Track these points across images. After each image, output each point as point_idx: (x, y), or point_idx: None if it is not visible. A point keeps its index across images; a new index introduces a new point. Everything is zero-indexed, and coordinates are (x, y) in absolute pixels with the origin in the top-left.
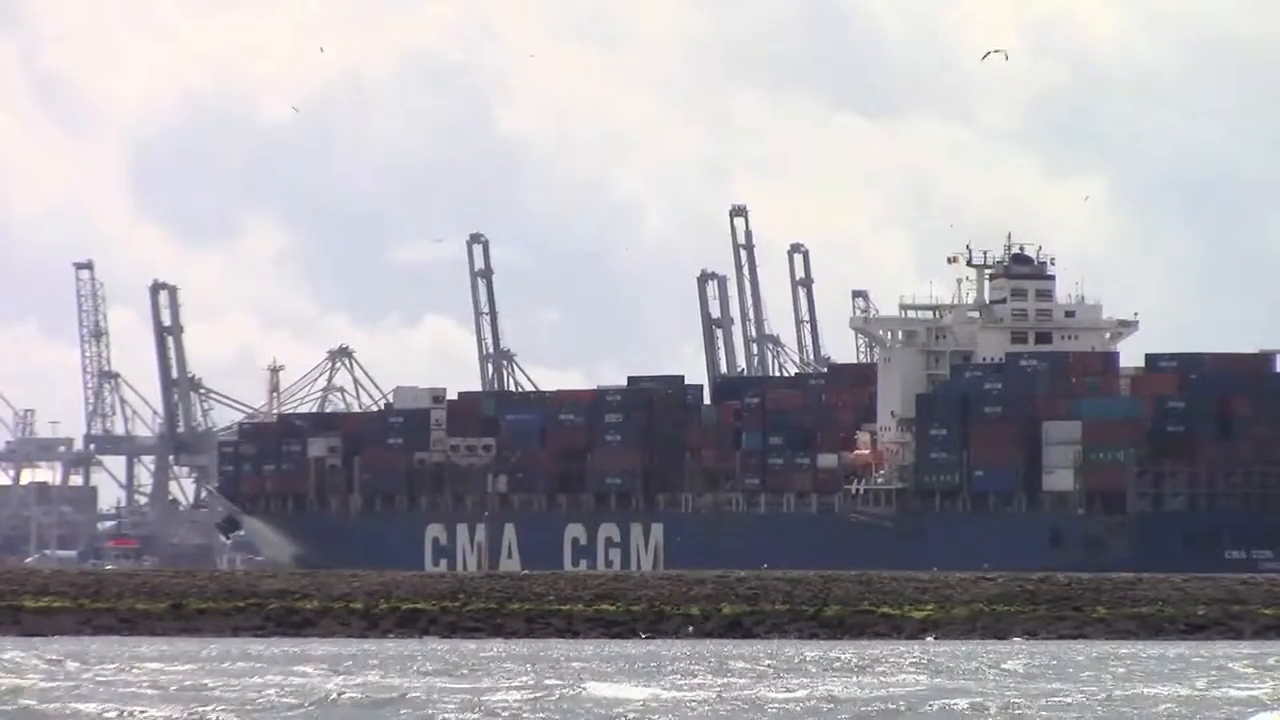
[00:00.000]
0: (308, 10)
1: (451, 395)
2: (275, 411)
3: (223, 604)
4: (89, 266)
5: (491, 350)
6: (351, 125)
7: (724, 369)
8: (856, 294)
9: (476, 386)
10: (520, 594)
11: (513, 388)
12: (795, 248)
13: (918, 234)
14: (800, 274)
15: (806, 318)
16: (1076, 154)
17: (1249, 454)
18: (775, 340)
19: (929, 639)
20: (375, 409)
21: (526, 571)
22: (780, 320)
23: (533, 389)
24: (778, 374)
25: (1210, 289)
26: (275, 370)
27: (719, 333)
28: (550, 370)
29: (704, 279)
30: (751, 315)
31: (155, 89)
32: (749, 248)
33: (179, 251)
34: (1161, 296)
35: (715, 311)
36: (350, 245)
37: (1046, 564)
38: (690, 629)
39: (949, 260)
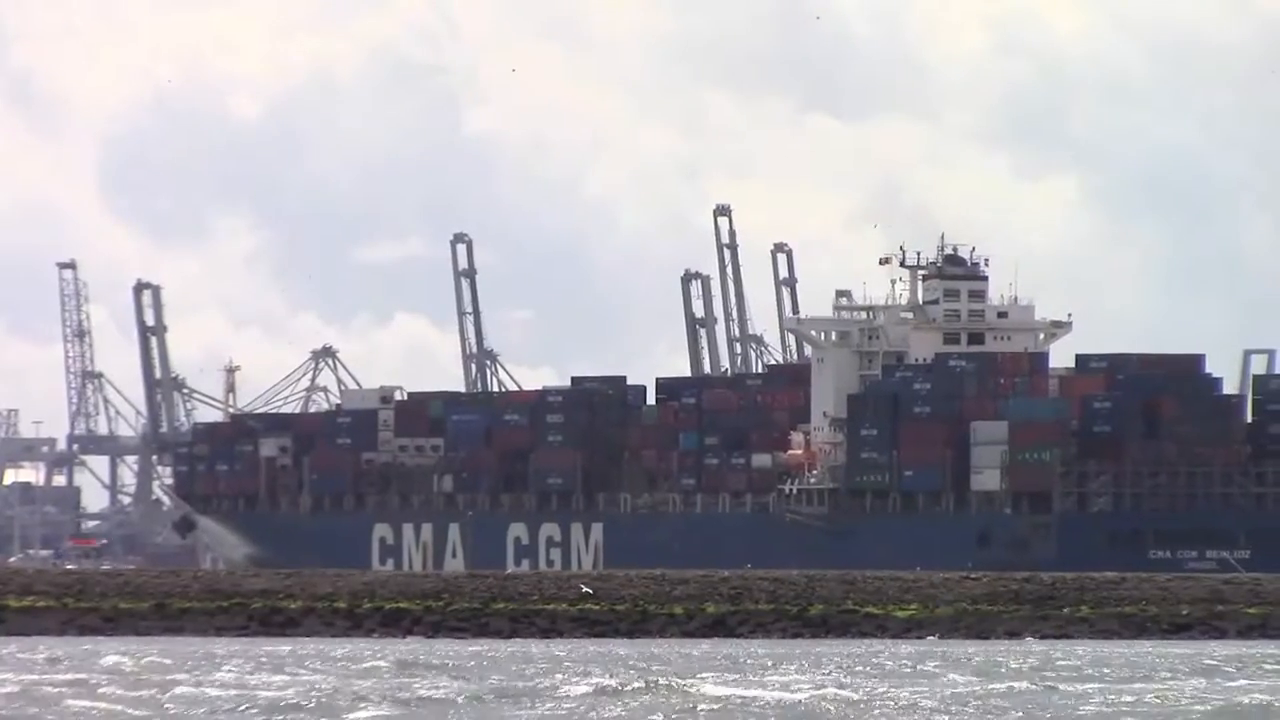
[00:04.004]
0: (278, 8)
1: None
2: (231, 411)
3: (206, 603)
4: (72, 266)
5: (475, 350)
6: (323, 125)
7: (708, 369)
8: (840, 293)
9: (453, 387)
10: (504, 594)
11: (496, 388)
12: (779, 247)
13: (894, 233)
14: (784, 274)
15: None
16: (1046, 154)
17: (1175, 454)
18: (759, 340)
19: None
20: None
21: (511, 570)
22: (764, 319)
23: (516, 389)
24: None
25: (1177, 290)
26: (231, 370)
27: (703, 332)
28: (531, 371)
29: (687, 279)
30: (735, 315)
31: (124, 88)
32: (732, 247)
33: (150, 251)
34: (1130, 297)
35: (699, 311)
36: (322, 245)
37: (974, 564)
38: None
39: (880, 261)
